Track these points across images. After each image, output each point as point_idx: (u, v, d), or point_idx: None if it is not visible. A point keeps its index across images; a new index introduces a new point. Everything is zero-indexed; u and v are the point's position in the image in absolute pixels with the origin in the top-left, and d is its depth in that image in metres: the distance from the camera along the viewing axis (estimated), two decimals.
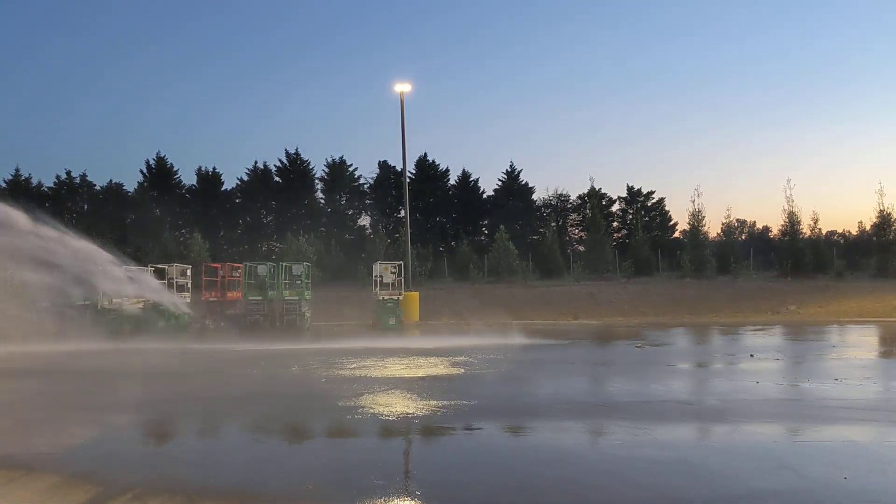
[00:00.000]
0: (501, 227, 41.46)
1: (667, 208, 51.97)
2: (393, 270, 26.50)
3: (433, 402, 9.39)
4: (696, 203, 53.29)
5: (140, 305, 26.01)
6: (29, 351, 17.86)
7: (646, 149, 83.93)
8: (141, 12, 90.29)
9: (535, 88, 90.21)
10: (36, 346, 18.64)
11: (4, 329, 20.25)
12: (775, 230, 50.00)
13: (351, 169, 50.78)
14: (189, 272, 27.07)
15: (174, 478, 6.05)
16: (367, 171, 63.45)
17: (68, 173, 48.82)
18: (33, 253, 18.81)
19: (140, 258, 31.41)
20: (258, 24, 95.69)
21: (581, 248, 48.56)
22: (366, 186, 51.09)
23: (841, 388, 10.28)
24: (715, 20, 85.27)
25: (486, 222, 51.23)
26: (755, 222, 65.37)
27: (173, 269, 26.38)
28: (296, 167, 49.84)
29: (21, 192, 45.89)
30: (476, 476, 5.99)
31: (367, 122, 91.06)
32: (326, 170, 50.34)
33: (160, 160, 49.32)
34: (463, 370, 13.04)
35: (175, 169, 49.94)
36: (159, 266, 26.53)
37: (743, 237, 58.32)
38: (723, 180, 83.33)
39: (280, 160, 50.36)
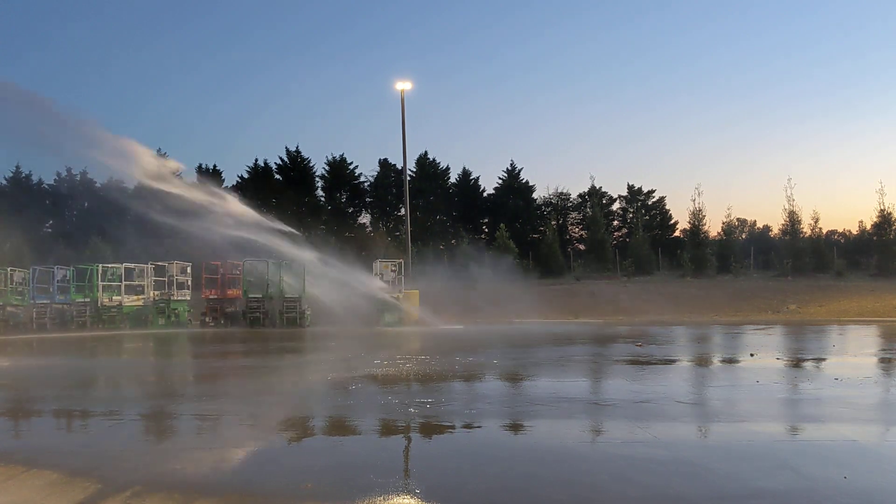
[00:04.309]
0: (502, 225, 41.50)
1: (667, 207, 52.07)
2: (393, 268, 26.54)
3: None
4: (696, 202, 53.35)
5: (139, 303, 26.02)
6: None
7: (646, 147, 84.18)
8: (139, 7, 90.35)
9: (535, 87, 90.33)
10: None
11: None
12: (776, 229, 50.08)
13: (351, 167, 50.84)
14: (189, 269, 27.08)
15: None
16: (367, 169, 63.49)
17: (69, 170, 48.88)
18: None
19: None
20: (258, 21, 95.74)
21: (581, 247, 48.59)
22: (366, 184, 51.11)
23: (841, 387, 10.27)
24: (715, 20, 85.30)
25: (486, 221, 51.23)
26: (756, 221, 65.51)
27: (174, 266, 26.39)
28: (296, 165, 49.86)
29: (21, 189, 45.94)
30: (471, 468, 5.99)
31: (367, 120, 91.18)
32: (327, 168, 50.37)
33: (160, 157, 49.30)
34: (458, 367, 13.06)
35: None
36: (159, 263, 26.53)
37: (743, 236, 58.41)
38: (723, 179, 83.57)
39: (280, 157, 50.43)
